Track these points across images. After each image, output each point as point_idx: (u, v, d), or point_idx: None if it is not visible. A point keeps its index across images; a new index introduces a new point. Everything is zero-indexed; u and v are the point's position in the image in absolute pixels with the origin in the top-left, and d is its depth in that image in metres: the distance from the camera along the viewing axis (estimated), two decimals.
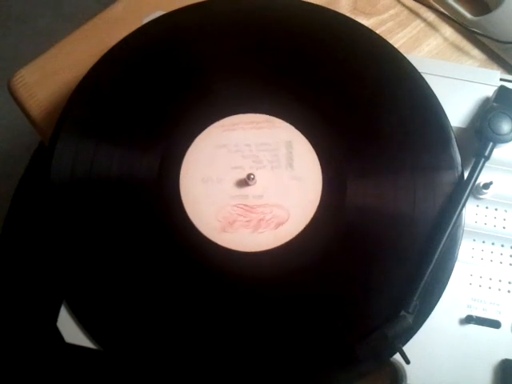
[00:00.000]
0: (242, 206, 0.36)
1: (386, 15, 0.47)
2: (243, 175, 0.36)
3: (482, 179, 0.36)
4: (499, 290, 0.35)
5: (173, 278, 0.35)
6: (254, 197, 0.36)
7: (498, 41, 0.43)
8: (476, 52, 0.46)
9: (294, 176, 0.37)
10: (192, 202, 0.36)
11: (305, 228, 0.35)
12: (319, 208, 0.36)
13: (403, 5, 0.48)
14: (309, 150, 0.37)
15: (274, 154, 0.37)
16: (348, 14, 0.41)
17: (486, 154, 0.35)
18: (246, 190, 0.36)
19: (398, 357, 0.32)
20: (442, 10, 0.47)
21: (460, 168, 0.36)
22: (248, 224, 0.36)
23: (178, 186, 0.36)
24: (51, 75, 0.46)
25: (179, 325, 0.34)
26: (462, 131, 0.38)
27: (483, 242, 0.36)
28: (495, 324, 0.34)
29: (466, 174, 0.35)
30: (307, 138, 0.37)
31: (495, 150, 0.35)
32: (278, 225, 0.36)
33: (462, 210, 0.34)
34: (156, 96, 0.38)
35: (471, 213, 0.37)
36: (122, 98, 0.38)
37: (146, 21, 0.41)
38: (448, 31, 0.47)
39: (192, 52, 0.40)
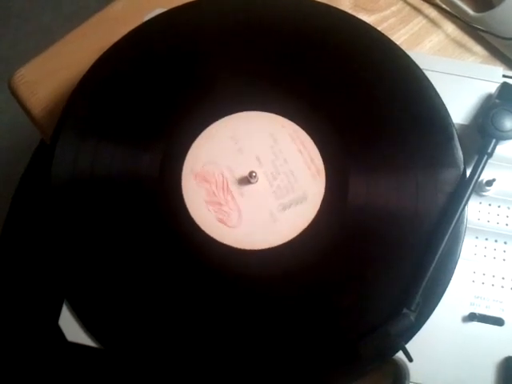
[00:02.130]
0: None
1: (387, 12, 0.47)
2: (245, 173, 0.36)
3: (484, 176, 0.36)
4: (502, 287, 0.35)
5: (175, 276, 0.34)
6: None
7: (500, 37, 0.43)
8: (478, 48, 0.46)
9: None
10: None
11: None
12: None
13: (405, 1, 0.47)
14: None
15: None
16: (349, 11, 0.41)
17: (489, 150, 0.35)
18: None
19: (400, 355, 0.32)
20: (443, 6, 0.46)
21: (462, 165, 0.35)
22: None
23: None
24: (52, 73, 0.46)
25: (181, 323, 0.34)
26: (464, 128, 0.38)
27: (486, 239, 0.36)
28: (498, 321, 0.34)
29: (468, 171, 0.35)
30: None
31: (498, 147, 0.35)
32: None
33: (464, 207, 0.34)
34: (158, 93, 0.38)
35: (474, 210, 0.36)
36: (123, 95, 0.38)
37: (146, 18, 0.41)
38: (450, 28, 0.46)
39: (194, 49, 0.39)
